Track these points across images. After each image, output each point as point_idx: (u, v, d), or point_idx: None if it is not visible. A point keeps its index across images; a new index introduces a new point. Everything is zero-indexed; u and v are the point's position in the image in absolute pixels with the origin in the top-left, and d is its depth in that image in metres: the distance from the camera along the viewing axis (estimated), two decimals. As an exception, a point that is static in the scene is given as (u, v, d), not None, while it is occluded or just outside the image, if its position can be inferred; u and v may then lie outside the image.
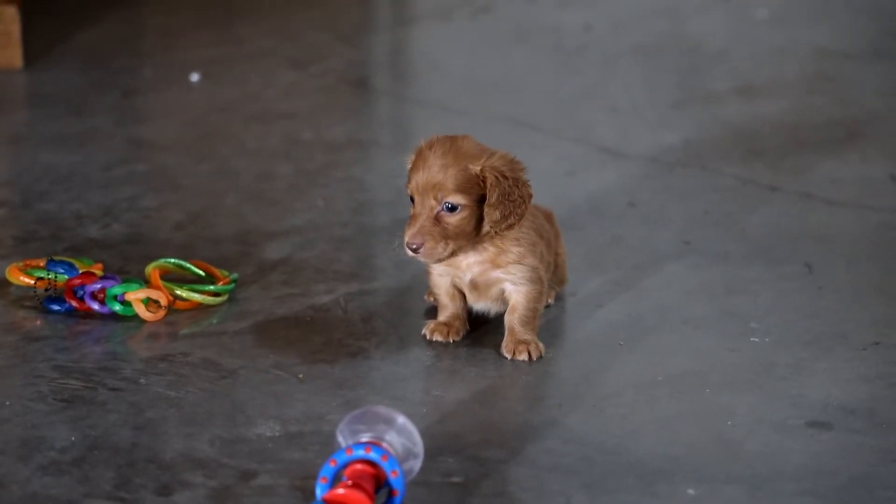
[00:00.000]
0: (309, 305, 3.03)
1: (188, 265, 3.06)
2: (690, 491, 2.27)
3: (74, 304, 2.93)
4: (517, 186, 2.50)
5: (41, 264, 3.01)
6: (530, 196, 2.54)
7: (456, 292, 2.72)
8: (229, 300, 3.03)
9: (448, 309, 2.74)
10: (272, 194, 3.66)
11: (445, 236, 2.50)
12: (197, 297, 2.99)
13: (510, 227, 2.53)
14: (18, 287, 3.01)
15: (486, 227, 2.53)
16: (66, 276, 2.96)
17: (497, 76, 4.67)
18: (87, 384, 2.63)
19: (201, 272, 3.07)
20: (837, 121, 4.16)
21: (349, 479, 2.17)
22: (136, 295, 2.91)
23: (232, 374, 2.70)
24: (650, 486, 2.29)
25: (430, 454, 2.32)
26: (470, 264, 2.63)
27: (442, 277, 2.70)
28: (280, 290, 3.08)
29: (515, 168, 2.55)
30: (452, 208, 2.49)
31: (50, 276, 2.96)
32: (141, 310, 2.92)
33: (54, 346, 2.80)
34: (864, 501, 2.23)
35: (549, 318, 2.88)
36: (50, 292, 2.95)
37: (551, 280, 2.81)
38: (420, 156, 2.53)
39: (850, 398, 2.59)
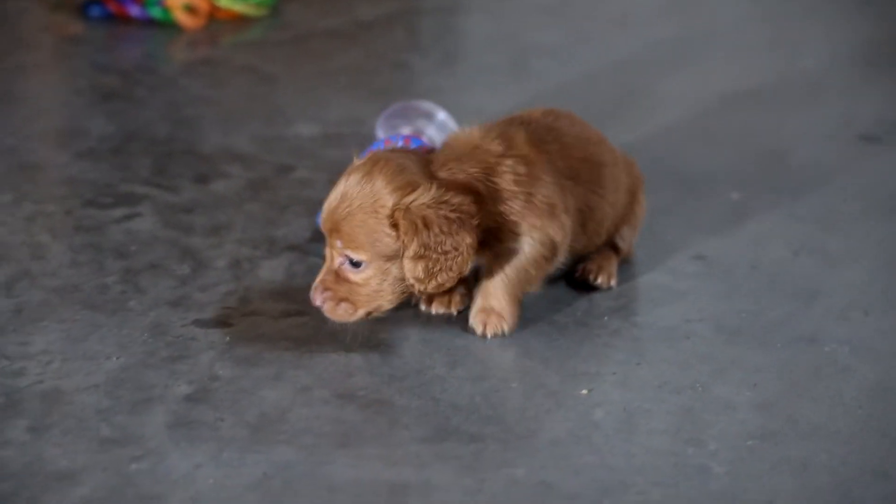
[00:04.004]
0: (352, 20, 2.97)
1: (230, -27, 3.00)
2: (734, 195, 2.23)
3: (113, 8, 2.88)
4: (449, 233, 1.71)
5: (80, -31, 2.96)
6: (471, 245, 1.72)
7: None
8: (271, 13, 2.97)
9: None
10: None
11: (350, 297, 1.74)
12: (238, 6, 2.93)
13: (440, 287, 1.74)
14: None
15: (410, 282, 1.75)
16: (106, -21, 2.91)
17: None
18: (125, 82, 2.60)
19: (243, -18, 3.01)
20: None
21: (387, 169, 2.14)
22: (176, 0, 2.86)
23: (272, 78, 2.66)
24: (693, 190, 2.25)
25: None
26: None
27: None
28: (323, 5, 3.02)
29: (449, 207, 1.72)
30: (356, 264, 1.74)
31: (90, -21, 2.91)
32: (181, 16, 2.87)
33: (93, 47, 2.77)
34: (910, 209, 2.19)
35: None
36: (90, -4, 2.91)
37: (622, 236, 2.00)
38: (340, 180, 1.76)
39: (903, 116, 2.53)
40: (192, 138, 2.39)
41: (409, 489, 1.49)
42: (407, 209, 1.70)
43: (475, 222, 1.73)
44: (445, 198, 1.71)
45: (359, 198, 1.72)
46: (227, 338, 1.76)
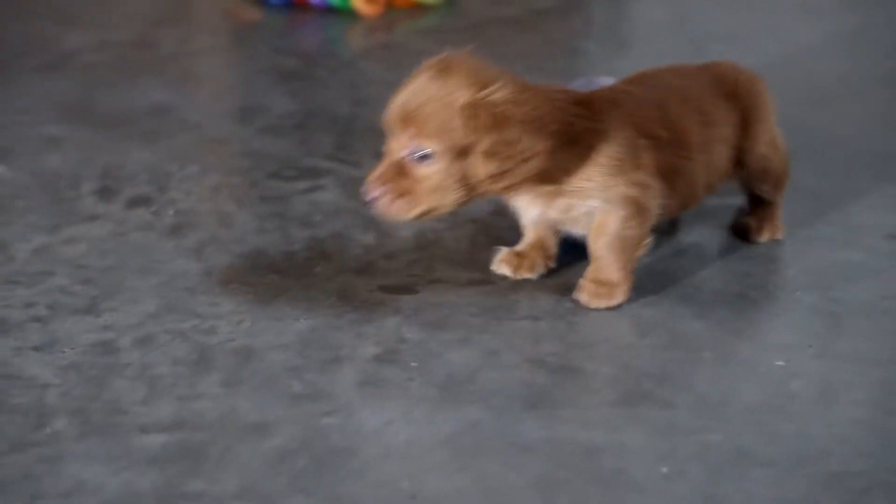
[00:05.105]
0: (527, 9, 2.96)
1: (407, -38, 3.02)
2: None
3: (293, -5, 2.92)
4: (525, 132, 1.63)
5: (261, -43, 3.00)
6: (545, 151, 1.65)
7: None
8: (447, 1, 2.98)
9: (528, 236, 1.86)
10: None
11: (412, 192, 1.66)
12: (415, -6, 2.95)
13: (509, 189, 1.69)
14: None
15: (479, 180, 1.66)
16: (285, -32, 2.95)
17: None
18: (305, 64, 2.63)
19: (419, -29, 3.03)
20: None
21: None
22: (354, -12, 2.88)
23: (449, 62, 2.67)
24: (884, 172, 2.17)
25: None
26: (525, 204, 1.78)
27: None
28: (498, -6, 3.02)
29: (528, 106, 1.64)
30: (424, 157, 1.66)
31: (269, -33, 2.95)
32: (359, 3, 2.89)
33: (273, 32, 2.80)
34: None
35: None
36: (269, -16, 2.95)
37: (750, 180, 1.92)
38: (410, 79, 1.72)
39: None
40: (372, 116, 2.39)
41: (602, 451, 1.46)
42: (484, 103, 1.61)
43: (552, 128, 1.65)
44: (525, 96, 1.63)
45: (433, 90, 1.65)
46: (413, 303, 1.75)
